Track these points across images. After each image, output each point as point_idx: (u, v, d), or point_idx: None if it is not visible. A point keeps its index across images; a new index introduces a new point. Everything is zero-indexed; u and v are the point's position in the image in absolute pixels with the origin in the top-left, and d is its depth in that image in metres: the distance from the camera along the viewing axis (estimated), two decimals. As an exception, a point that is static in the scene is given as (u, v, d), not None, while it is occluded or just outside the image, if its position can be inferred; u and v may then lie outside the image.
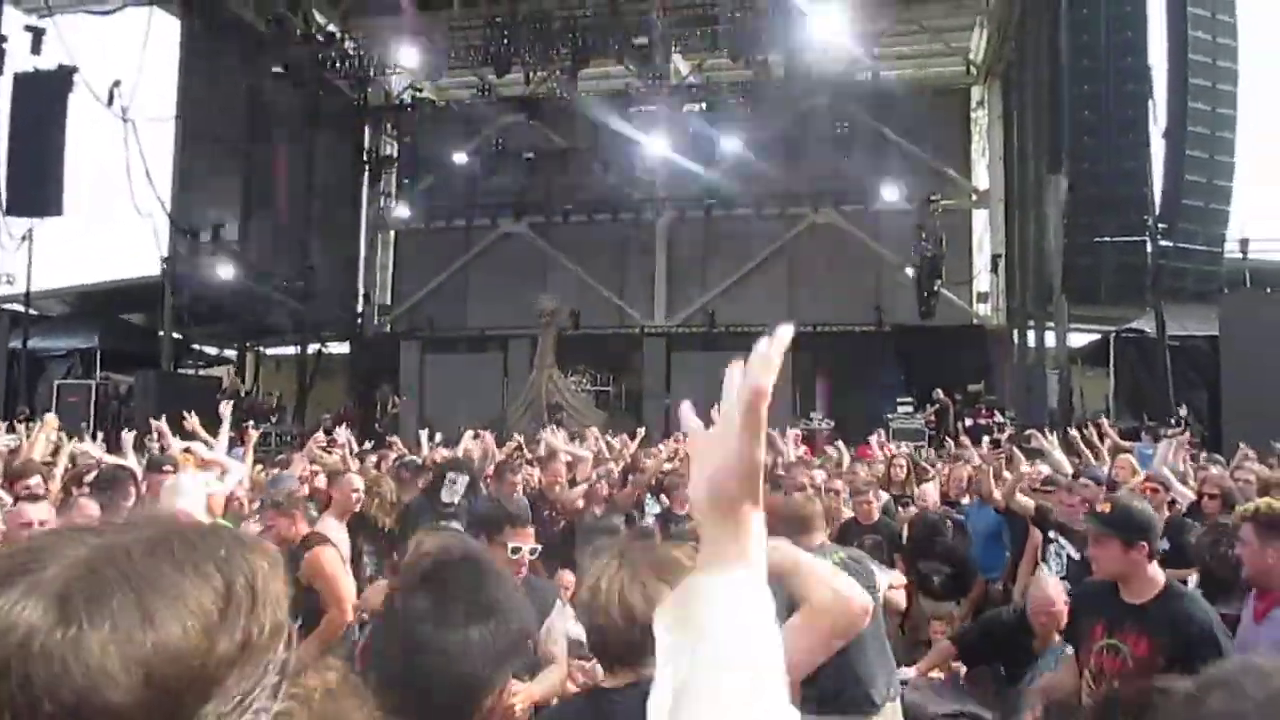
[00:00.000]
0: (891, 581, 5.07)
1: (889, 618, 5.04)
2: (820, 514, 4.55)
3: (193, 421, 7.53)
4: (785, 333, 0.95)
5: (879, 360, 22.89)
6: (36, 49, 18.87)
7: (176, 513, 0.94)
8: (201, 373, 25.11)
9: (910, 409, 20.16)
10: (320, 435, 11.46)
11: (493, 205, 26.79)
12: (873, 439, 11.88)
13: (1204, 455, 10.21)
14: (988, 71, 25.16)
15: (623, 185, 25.21)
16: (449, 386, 21.75)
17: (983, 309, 25.61)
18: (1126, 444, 9.63)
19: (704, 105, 24.38)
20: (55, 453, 7.24)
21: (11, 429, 10.56)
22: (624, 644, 1.95)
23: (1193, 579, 4.76)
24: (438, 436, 11.37)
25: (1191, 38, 15.59)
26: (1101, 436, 9.28)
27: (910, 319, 23.19)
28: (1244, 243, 17.61)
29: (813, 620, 2.11)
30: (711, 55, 23.69)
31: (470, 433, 9.23)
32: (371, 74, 25.29)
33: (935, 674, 5.39)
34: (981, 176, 26.03)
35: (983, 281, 25.59)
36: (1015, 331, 22.65)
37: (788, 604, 2.09)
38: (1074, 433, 9.46)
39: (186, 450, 6.55)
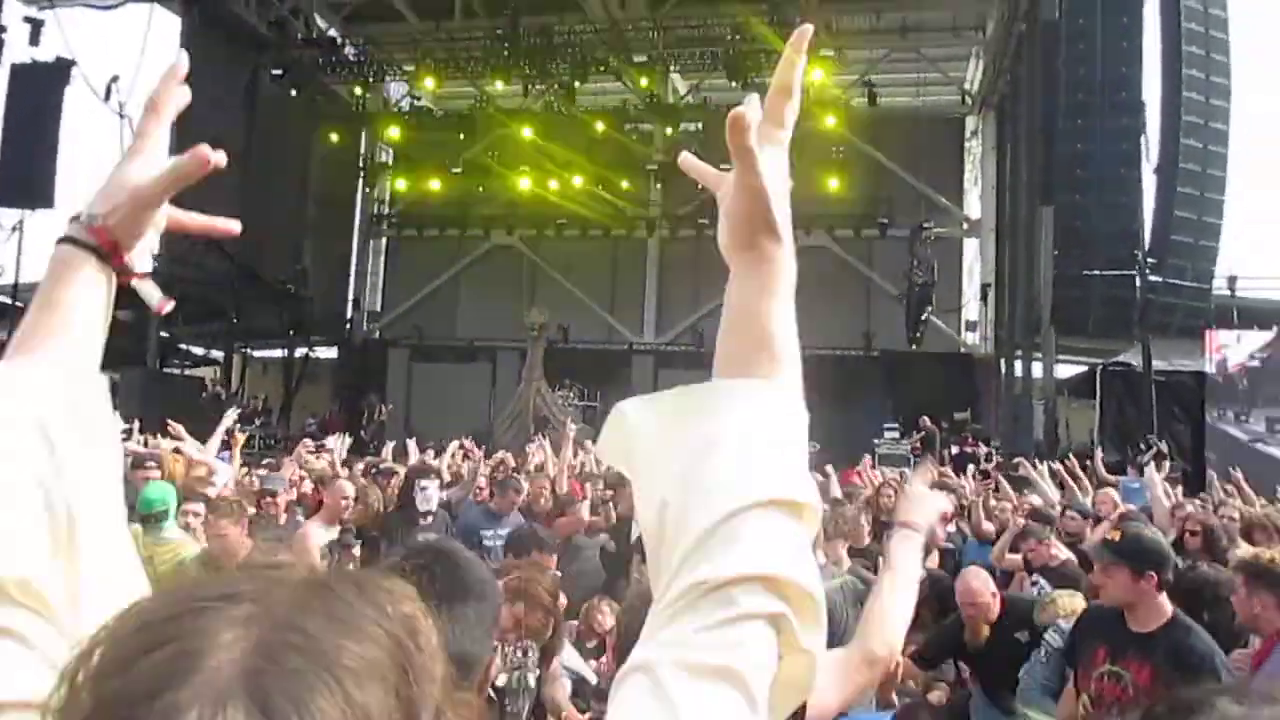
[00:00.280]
0: None
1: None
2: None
3: (177, 429, 7.49)
4: (804, 31, 0.97)
5: (867, 385, 22.93)
6: (35, 41, 18.87)
7: (308, 563, 0.74)
8: (187, 372, 24.96)
9: (897, 435, 20.16)
10: (309, 441, 11.41)
11: (485, 216, 26.83)
12: (864, 464, 11.86)
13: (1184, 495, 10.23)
14: (983, 102, 25.34)
15: (616, 201, 25.27)
16: (436, 396, 21.72)
17: (971, 337, 25.71)
18: (1112, 478, 9.67)
19: (700, 125, 24.48)
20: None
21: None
22: None
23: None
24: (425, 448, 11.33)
25: (1185, 75, 15.74)
26: (1084, 469, 9.31)
27: (899, 345, 23.25)
28: (1232, 280, 17.74)
29: (859, 668, 1.99)
30: (709, 75, 23.81)
31: (456, 443, 9.20)
32: (370, 80, 25.33)
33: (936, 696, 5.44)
34: (974, 205, 26.19)
35: (972, 310, 25.70)
36: (1003, 361, 22.73)
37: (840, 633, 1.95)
38: (1058, 465, 9.49)
39: (176, 450, 6.52)
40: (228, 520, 4.96)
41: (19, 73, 19.08)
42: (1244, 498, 8.81)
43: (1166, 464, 10.95)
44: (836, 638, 2.14)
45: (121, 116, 18.94)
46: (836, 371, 22.89)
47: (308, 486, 7.83)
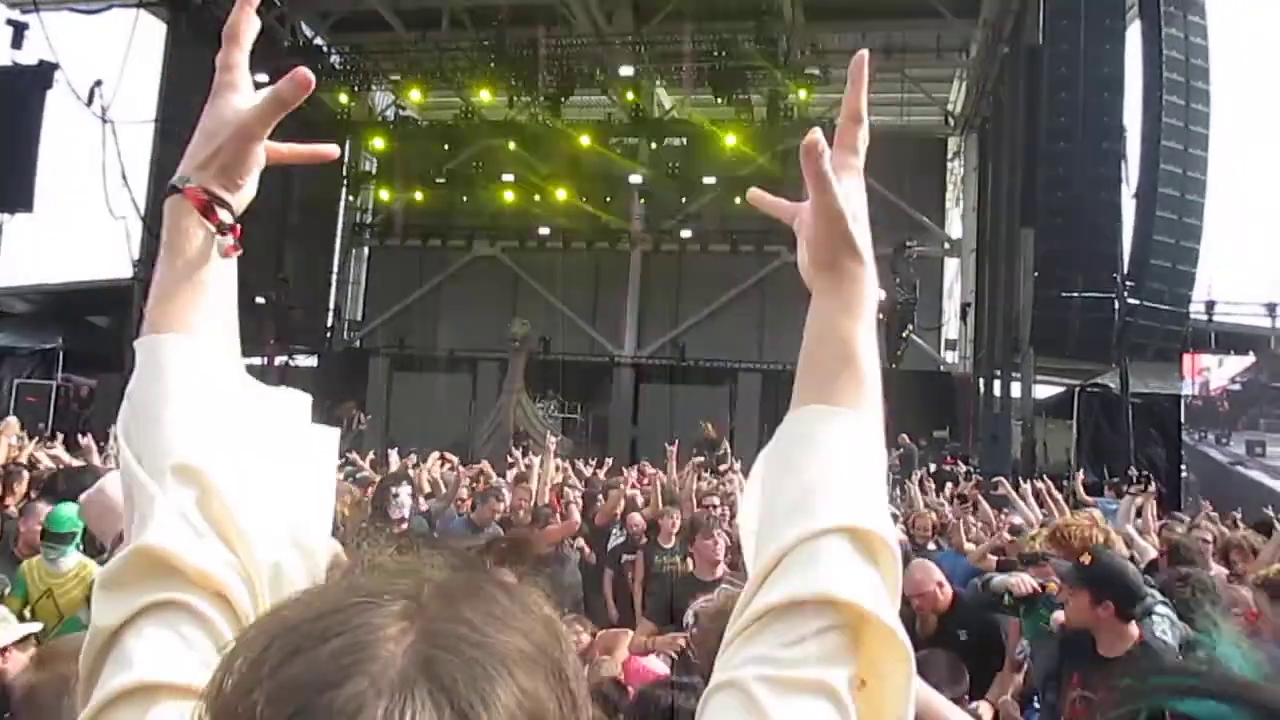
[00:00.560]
0: None
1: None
2: None
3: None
4: (862, 57, 1.03)
5: (846, 402, 22.88)
6: (18, 44, 18.72)
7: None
8: (165, 379, 24.71)
9: (875, 452, 20.18)
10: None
11: (468, 227, 26.79)
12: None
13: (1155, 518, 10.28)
14: (965, 123, 25.55)
15: (599, 214, 25.31)
16: (416, 406, 21.62)
17: (950, 356, 25.83)
18: (1090, 499, 9.72)
19: (684, 140, 24.57)
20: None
21: None
22: None
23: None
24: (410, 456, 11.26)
25: (1166, 101, 15.90)
26: (1060, 489, 9.36)
27: (879, 362, 23.26)
28: (1210, 305, 17.90)
29: None
30: (695, 91, 23.90)
31: (436, 454, 9.17)
32: (356, 89, 25.28)
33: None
34: (955, 225, 26.37)
35: (952, 329, 25.82)
36: (982, 380, 22.84)
37: None
38: (1039, 484, 9.53)
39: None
40: None
41: (0, 76, 18.94)
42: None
43: (1153, 503, 11.00)
44: None
45: (104, 121, 18.84)
46: (817, 388, 22.87)
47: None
